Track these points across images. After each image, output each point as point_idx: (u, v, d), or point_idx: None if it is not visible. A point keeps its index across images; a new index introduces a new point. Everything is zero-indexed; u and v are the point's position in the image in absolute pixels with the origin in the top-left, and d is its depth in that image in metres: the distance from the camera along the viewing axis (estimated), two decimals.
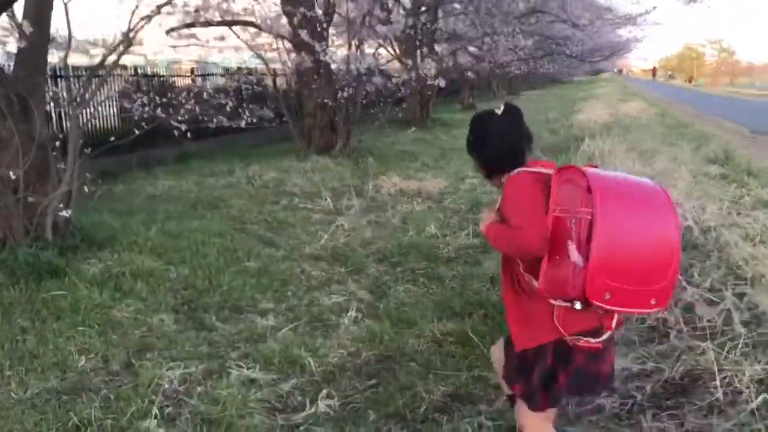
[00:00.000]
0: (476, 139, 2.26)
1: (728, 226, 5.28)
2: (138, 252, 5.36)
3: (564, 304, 1.92)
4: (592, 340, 1.97)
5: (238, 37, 11.43)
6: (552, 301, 1.95)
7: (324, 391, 3.30)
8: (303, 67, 11.08)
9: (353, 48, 11.07)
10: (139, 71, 12.31)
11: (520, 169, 2.10)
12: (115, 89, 11.05)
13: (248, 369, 3.54)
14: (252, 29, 11.68)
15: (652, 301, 1.84)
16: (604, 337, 2.00)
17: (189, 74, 14.22)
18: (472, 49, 18.70)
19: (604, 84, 49.41)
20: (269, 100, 12.27)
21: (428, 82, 13.34)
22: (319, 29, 10.82)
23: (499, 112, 2.19)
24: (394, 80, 12.40)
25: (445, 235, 6.41)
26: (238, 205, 7.66)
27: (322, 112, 11.39)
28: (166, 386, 3.29)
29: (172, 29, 10.55)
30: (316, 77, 11.16)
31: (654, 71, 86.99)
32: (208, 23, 10.72)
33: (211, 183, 9.23)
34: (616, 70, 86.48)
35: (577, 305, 1.87)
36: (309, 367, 3.59)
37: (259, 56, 11.69)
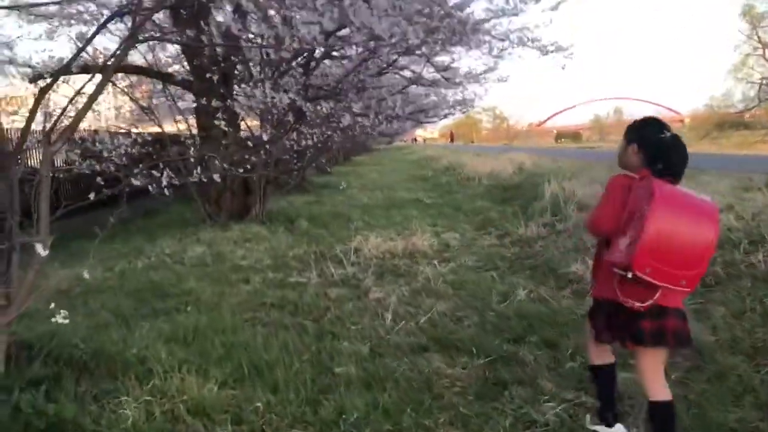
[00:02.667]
0: (665, 144, 2.60)
1: None
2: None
3: (620, 272, 2.41)
4: (637, 303, 2.43)
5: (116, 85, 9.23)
6: (614, 270, 2.45)
7: None
8: (208, 120, 9.14)
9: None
10: None
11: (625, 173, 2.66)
12: None
13: None
14: (134, 77, 9.56)
15: (682, 282, 2.34)
16: (648, 302, 2.41)
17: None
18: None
19: (416, 149, 51.61)
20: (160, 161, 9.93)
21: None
22: (226, 73, 9.07)
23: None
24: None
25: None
26: (204, 292, 5.60)
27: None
28: None
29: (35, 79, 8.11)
30: (225, 131, 9.26)
31: (452, 136, 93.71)
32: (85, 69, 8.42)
33: (124, 267, 6.90)
34: (410, 140, 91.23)
35: (628, 275, 2.36)
36: None
37: (144, 109, 9.51)
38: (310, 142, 8.11)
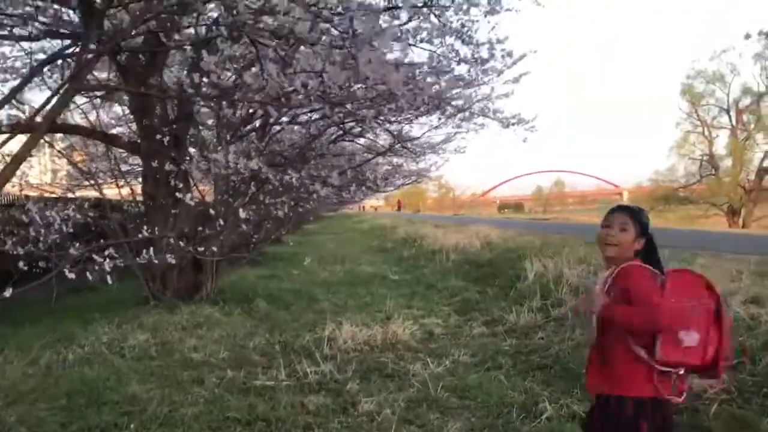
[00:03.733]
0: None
1: None
2: None
3: (667, 369, 2.34)
4: (677, 398, 2.37)
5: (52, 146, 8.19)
6: (658, 367, 2.34)
7: None
8: (156, 186, 8.14)
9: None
10: None
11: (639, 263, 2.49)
12: None
13: None
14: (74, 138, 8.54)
15: None
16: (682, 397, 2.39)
17: None
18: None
19: (367, 218, 51.00)
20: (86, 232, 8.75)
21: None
22: (178, 135, 8.16)
23: None
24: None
25: None
26: (150, 400, 4.52)
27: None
28: None
29: None
30: (177, 198, 8.26)
31: (399, 205, 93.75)
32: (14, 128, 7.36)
33: (51, 359, 5.72)
34: (357, 207, 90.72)
35: (681, 371, 2.35)
36: None
37: (84, 173, 8.46)
38: (279, 213, 7.17)
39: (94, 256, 3.53)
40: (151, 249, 4.73)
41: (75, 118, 8.61)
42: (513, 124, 10.04)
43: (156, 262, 4.27)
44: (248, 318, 7.59)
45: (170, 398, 4.59)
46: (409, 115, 10.38)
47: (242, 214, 7.14)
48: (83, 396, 4.63)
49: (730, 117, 41.38)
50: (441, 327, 6.92)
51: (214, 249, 6.86)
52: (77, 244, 4.02)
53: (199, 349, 6.04)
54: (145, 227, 7.00)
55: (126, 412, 4.29)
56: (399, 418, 4.01)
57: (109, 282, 3.55)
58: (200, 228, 8.07)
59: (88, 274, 3.56)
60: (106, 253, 3.52)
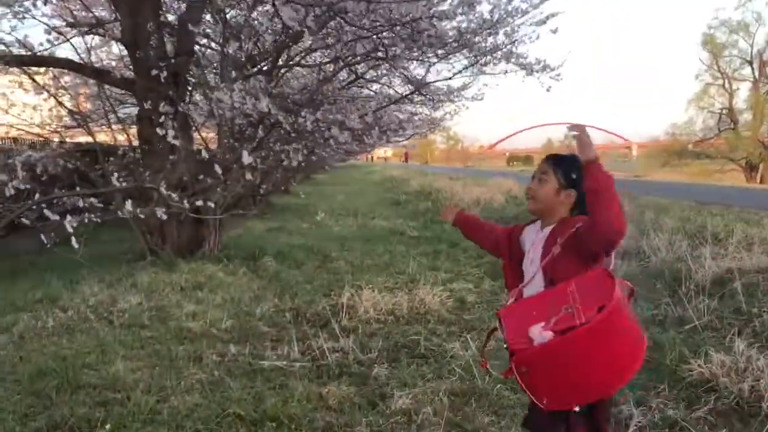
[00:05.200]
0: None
1: None
2: None
3: None
4: None
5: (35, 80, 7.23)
6: None
7: None
8: (152, 129, 7.23)
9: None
10: None
11: None
12: None
13: None
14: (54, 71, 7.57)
15: None
16: None
17: None
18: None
19: (376, 169, 50.04)
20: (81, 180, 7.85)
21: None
22: (177, 72, 7.22)
23: None
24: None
25: None
26: (135, 385, 3.73)
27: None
28: None
29: None
30: (172, 144, 7.35)
31: (407, 156, 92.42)
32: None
33: (27, 326, 4.93)
34: (364, 158, 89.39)
35: None
36: None
37: (74, 113, 7.53)
38: (293, 161, 6.18)
39: (46, 212, 2.69)
40: (130, 203, 3.85)
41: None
42: (537, 71, 9.30)
43: (142, 216, 3.45)
44: (255, 278, 6.78)
45: (160, 382, 3.80)
46: (432, 55, 9.60)
47: (248, 159, 6.22)
48: (56, 377, 3.84)
49: (752, 69, 39.81)
50: (473, 294, 6.08)
51: (212, 204, 5.98)
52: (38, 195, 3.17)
53: (199, 317, 5.23)
54: (146, 175, 6.16)
55: (104, 402, 3.50)
56: (444, 420, 3.18)
57: (75, 245, 2.71)
58: (201, 177, 7.20)
59: (42, 236, 2.72)
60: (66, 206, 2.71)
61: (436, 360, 4.20)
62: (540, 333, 1.86)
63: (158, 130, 6.54)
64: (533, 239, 2.27)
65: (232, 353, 4.37)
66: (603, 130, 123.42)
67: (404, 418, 3.27)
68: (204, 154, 6.21)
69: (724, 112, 40.84)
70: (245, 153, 4.86)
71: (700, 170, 41.00)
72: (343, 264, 7.63)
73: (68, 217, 2.76)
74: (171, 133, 5.44)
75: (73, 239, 2.76)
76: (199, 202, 5.48)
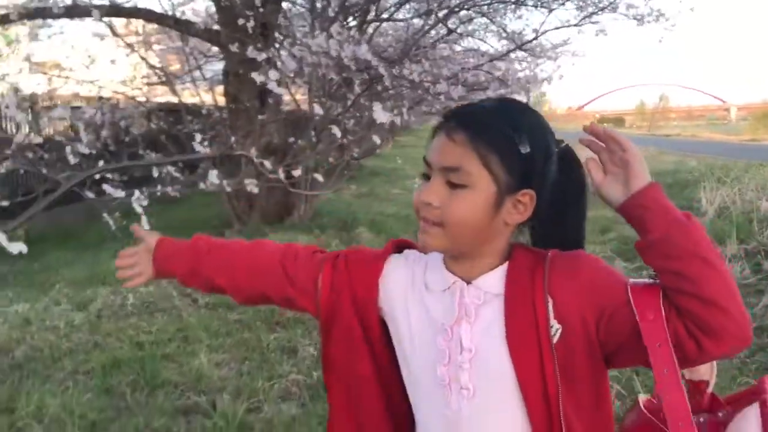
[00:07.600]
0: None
1: None
2: None
3: None
4: None
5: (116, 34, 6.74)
6: None
7: None
8: (240, 86, 6.63)
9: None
10: None
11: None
12: None
13: None
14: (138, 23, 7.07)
15: None
16: None
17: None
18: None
19: None
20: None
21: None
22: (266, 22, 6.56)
23: None
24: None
25: None
26: (215, 379, 3.14)
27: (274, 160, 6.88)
28: None
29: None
30: (260, 103, 6.73)
31: None
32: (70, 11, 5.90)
33: (105, 302, 4.46)
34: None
35: None
36: None
37: (155, 68, 7.02)
38: (396, 119, 5.39)
39: (106, 186, 2.08)
40: (215, 173, 3.21)
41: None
42: (650, 22, 8.51)
43: (228, 190, 2.87)
44: None
45: (250, 383, 3.18)
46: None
47: (383, 116, 5.32)
48: (132, 370, 3.30)
49: None
50: None
51: (305, 173, 5.29)
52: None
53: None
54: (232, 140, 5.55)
55: (185, 409, 2.92)
56: None
57: (112, 227, 2.12)
58: (292, 140, 6.56)
59: (106, 216, 2.10)
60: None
61: None
62: None
63: (247, 85, 5.91)
64: (438, 308, 1.02)
65: None
66: (698, 90, 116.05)
67: None
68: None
69: None
70: (379, 108, 3.96)
71: None
72: None
73: (136, 193, 2.17)
74: (273, 74, 4.65)
75: (144, 219, 2.18)
76: (297, 172, 4.81)
